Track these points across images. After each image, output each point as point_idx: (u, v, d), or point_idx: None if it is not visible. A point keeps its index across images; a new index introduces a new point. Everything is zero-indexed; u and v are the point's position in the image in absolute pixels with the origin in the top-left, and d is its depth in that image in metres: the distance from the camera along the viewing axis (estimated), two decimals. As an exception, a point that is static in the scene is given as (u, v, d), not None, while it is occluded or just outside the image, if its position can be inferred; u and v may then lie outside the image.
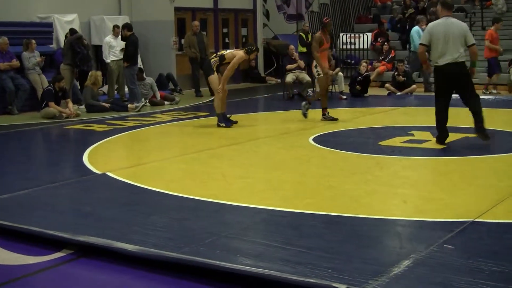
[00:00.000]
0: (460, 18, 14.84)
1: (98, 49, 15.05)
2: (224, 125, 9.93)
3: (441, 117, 7.94)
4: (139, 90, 13.16)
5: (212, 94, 13.64)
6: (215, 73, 9.94)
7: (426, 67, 8.52)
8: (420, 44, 8.07)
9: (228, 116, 10.16)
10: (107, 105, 12.70)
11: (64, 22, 14.43)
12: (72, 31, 13.41)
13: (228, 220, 5.03)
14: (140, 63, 14.37)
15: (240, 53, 10.02)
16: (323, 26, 10.51)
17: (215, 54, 10.37)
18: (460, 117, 8.63)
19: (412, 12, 18.83)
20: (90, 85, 12.62)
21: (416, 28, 15.35)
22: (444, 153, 7.61)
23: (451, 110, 8.01)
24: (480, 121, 7.85)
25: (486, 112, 8.16)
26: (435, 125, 8.05)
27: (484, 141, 7.87)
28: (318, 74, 10.25)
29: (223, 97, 10.00)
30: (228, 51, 10.35)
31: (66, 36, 13.49)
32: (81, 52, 12.99)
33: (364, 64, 14.78)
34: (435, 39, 7.80)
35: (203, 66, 11.42)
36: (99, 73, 13.07)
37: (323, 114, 10.40)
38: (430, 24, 8.14)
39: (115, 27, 13.94)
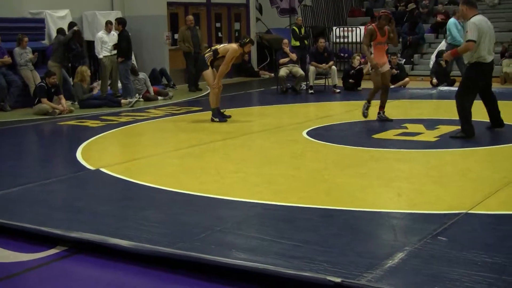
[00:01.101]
0: (452, 11, 14.88)
1: (90, 44, 15.01)
2: (218, 120, 9.92)
3: (470, 111, 7.90)
4: (132, 85, 13.12)
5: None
6: (210, 68, 9.93)
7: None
8: (472, 41, 7.62)
9: (222, 110, 10.16)
10: (94, 87, 12.75)
11: (56, 18, 14.37)
12: (71, 24, 13.31)
13: (222, 215, 5.03)
14: (133, 58, 14.33)
15: (233, 46, 9.99)
16: (378, 18, 9.69)
17: (209, 49, 10.33)
18: (453, 109, 8.63)
19: (413, 7, 18.79)
20: (78, 82, 12.58)
21: (452, 20, 14.68)
22: (438, 146, 7.62)
23: (445, 103, 8.03)
24: (500, 117, 8.23)
25: (479, 104, 8.21)
26: (459, 119, 7.98)
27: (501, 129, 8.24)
28: (371, 70, 9.54)
29: (217, 92, 9.98)
30: (221, 45, 10.33)
31: (57, 32, 13.38)
32: (76, 49, 12.92)
33: (357, 57, 14.77)
34: (483, 35, 7.69)
35: (197, 61, 11.41)
36: (85, 68, 12.94)
37: (378, 113, 9.69)
38: (475, 20, 7.72)
39: (108, 22, 13.88)
